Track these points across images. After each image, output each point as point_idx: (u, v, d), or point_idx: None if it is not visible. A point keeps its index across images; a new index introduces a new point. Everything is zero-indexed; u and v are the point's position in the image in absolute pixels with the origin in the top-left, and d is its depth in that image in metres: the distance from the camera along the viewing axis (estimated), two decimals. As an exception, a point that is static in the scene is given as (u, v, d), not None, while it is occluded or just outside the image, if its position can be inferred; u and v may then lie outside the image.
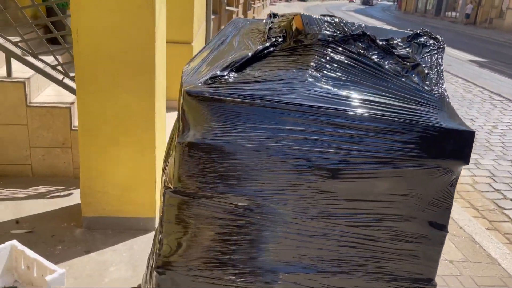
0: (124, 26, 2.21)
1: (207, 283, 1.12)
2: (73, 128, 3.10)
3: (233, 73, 1.07)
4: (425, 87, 1.08)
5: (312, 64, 1.10)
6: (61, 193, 2.98)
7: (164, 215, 1.10)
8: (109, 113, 2.38)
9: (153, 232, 2.53)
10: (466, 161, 1.06)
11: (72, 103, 3.10)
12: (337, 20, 1.17)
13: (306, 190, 1.03)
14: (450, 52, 12.51)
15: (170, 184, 1.07)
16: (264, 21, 1.42)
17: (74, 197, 2.94)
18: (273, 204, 1.02)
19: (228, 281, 1.13)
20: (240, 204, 1.03)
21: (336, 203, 1.03)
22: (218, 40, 1.36)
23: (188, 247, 1.12)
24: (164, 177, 1.25)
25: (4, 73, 3.00)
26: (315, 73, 1.08)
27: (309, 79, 1.06)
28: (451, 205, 1.09)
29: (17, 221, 2.61)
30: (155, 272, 1.15)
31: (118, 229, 2.61)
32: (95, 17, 2.20)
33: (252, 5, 16.56)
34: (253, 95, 1.00)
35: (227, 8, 9.81)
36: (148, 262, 1.81)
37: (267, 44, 1.13)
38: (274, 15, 1.43)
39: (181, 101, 1.03)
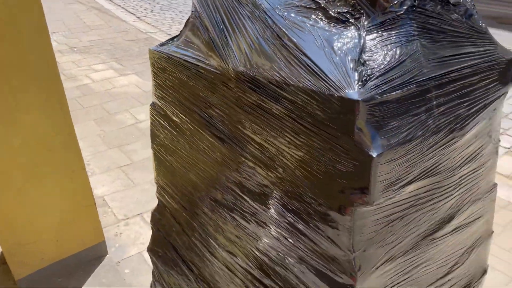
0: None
1: None
2: None
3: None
4: (481, 25, 1.21)
5: (415, 32, 1.08)
6: None
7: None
8: (15, 144, 1.76)
9: (109, 256, 2.21)
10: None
11: None
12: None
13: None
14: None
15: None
16: None
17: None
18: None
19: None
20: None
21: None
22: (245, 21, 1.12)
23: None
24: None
25: None
26: (423, 42, 1.07)
27: (424, 49, 1.05)
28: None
29: None
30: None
31: (67, 273, 2.12)
32: None
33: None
34: (405, 81, 0.94)
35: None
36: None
37: (366, 21, 1.03)
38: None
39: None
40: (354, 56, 0.98)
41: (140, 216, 2.67)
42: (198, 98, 1.32)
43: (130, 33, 6.44)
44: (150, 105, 1.61)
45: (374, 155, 0.88)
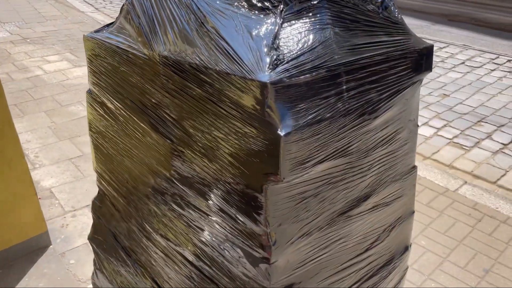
0: None
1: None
2: None
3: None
4: (396, 16, 1.29)
5: (329, 21, 1.13)
6: None
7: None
8: None
9: (53, 247, 2.20)
10: (431, 69, 1.37)
11: None
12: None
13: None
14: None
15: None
16: None
17: None
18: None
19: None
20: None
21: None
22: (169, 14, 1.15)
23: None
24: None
25: None
26: (337, 30, 1.13)
27: (337, 37, 1.11)
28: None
29: None
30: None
31: (8, 264, 2.08)
32: None
33: None
34: (315, 66, 1.00)
35: None
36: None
37: (284, 7, 1.07)
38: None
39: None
40: (268, 41, 1.03)
41: (88, 208, 2.65)
42: (129, 84, 1.34)
43: (87, 24, 6.30)
44: (87, 92, 1.62)
45: (282, 134, 0.94)
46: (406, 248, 1.57)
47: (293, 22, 1.10)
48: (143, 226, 1.52)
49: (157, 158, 1.32)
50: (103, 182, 1.71)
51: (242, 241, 1.13)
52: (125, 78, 1.35)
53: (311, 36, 1.09)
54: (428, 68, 1.35)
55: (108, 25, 1.54)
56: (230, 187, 1.10)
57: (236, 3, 1.17)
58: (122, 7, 1.50)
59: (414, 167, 1.48)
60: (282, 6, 1.11)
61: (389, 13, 1.29)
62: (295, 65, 1.00)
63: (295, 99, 0.99)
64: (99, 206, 1.79)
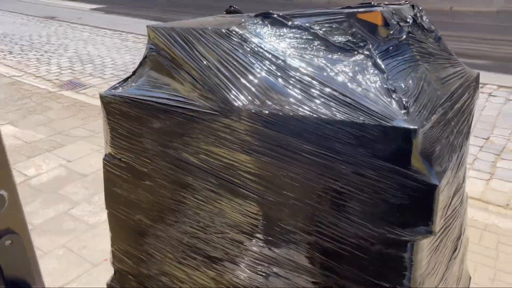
0: None
1: None
2: None
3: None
4: (449, 49, 1.28)
5: (418, 57, 1.07)
6: None
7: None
8: None
9: None
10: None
11: None
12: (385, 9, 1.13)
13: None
14: (68, 4, 12.03)
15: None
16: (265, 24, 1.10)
17: None
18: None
19: None
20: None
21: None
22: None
23: None
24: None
25: None
26: (425, 65, 1.06)
27: (428, 72, 1.05)
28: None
29: None
30: None
31: None
32: None
33: None
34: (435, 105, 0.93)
35: None
36: None
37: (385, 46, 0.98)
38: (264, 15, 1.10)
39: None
40: (383, 83, 0.94)
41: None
42: (179, 142, 1.14)
43: (-12, 78, 5.58)
44: (104, 159, 1.36)
45: (437, 183, 0.84)
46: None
47: (388, 61, 1.03)
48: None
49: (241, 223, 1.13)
50: (125, 260, 1.43)
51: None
52: (172, 136, 1.15)
53: (412, 74, 1.03)
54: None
55: (125, 81, 1.33)
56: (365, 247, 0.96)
57: (312, 44, 1.07)
58: (144, 58, 1.31)
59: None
60: (370, 45, 1.04)
61: (442, 45, 1.30)
62: (421, 107, 0.92)
63: (431, 143, 0.91)
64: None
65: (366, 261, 0.93)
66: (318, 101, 0.94)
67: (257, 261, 1.10)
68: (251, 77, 1.03)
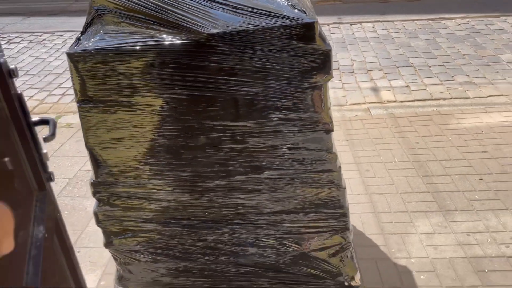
0: None
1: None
2: None
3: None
4: None
5: None
6: None
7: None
8: None
9: None
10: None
11: None
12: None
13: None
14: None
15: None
16: None
17: None
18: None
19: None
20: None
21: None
22: None
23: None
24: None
25: None
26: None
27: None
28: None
29: None
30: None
31: None
32: None
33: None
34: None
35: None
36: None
37: None
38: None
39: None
40: (286, 1, 1.61)
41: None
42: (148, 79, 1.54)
43: None
44: (79, 105, 1.61)
45: (331, 48, 1.59)
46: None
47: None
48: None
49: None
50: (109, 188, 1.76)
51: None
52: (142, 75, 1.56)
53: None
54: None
55: (78, 39, 1.60)
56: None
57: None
58: (92, 18, 1.61)
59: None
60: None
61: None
62: (310, 12, 1.63)
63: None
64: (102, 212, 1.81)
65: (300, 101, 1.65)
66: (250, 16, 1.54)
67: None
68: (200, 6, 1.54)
